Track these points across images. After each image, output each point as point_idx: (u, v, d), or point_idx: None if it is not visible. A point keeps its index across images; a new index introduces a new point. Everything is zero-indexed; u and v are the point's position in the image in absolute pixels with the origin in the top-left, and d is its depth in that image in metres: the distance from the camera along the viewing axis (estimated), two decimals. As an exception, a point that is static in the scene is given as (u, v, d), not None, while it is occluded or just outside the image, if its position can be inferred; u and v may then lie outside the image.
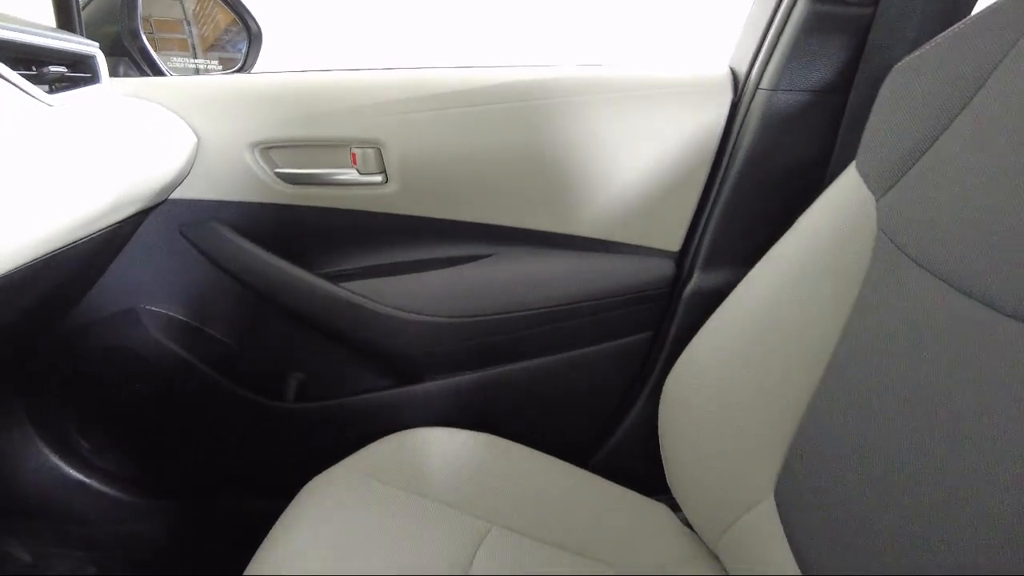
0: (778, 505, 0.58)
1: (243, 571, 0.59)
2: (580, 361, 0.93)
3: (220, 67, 1.13)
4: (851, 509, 0.48)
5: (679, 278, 0.90)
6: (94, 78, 0.79)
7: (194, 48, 1.11)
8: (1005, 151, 0.45)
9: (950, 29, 0.54)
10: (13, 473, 0.97)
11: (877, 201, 0.55)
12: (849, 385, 0.52)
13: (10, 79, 0.62)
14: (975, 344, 0.42)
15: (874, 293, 0.53)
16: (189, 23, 1.09)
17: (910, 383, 0.46)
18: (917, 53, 0.56)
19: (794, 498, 0.56)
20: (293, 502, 0.69)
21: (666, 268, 0.89)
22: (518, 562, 0.65)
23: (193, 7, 1.11)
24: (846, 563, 0.48)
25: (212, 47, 1.12)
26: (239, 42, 1.11)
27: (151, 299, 0.94)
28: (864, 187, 0.57)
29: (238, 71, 1.10)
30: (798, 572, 0.52)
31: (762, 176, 0.82)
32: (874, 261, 0.53)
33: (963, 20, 0.53)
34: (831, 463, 0.52)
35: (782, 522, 0.56)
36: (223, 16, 1.12)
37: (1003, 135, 0.46)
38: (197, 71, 1.09)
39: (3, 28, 0.64)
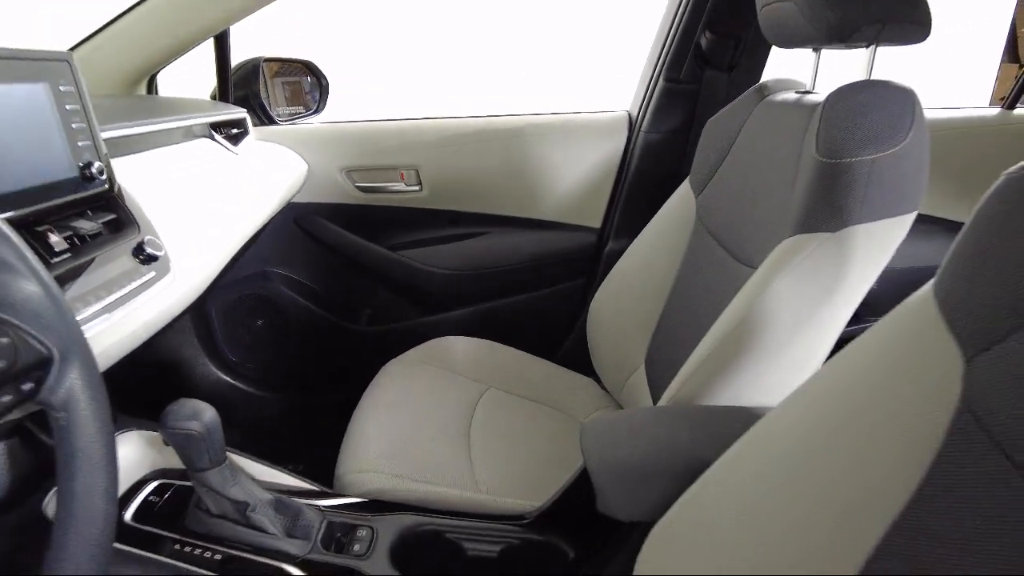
0: (646, 368, 1.13)
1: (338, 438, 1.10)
2: (542, 296, 1.50)
3: (303, 110, 1.68)
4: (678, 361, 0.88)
5: (600, 244, 1.46)
6: (245, 131, 1.34)
7: (287, 99, 1.66)
8: (739, 175, 1.01)
9: (726, 107, 1.07)
10: (189, 376, 1.54)
11: (696, 198, 1.11)
12: (680, 302, 1.07)
13: (221, 143, 1.18)
14: (723, 279, 0.95)
15: (690, 249, 1.08)
16: (284, 84, 1.64)
17: (690, 294, 1.03)
18: (716, 115, 1.09)
19: (654, 363, 1.09)
20: (375, 378, 1.24)
21: (592, 237, 1.46)
22: (502, 405, 1.20)
23: (284, 69, 1.65)
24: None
25: (298, 99, 1.67)
26: (315, 92, 1.66)
27: (276, 264, 1.51)
28: (691, 191, 1.09)
29: (315, 112, 1.65)
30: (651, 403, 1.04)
31: (644, 182, 1.38)
32: (693, 233, 1.09)
33: (732, 102, 1.03)
34: (672, 343, 1.03)
35: (647, 376, 1.09)
36: (304, 74, 1.66)
37: (739, 167, 1.01)
38: (292, 115, 1.65)
39: (211, 115, 1.20)
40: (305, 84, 1.65)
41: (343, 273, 1.53)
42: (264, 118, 1.50)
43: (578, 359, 1.35)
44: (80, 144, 0.74)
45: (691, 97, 1.31)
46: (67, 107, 0.73)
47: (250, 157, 1.25)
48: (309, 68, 1.64)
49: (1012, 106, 1.46)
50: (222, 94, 1.42)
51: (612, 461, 0.68)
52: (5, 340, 0.41)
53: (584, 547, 0.80)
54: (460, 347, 1.33)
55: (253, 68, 1.47)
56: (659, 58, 1.32)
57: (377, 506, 0.85)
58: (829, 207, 0.77)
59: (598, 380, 1.28)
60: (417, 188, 1.44)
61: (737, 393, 0.79)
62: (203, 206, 1.00)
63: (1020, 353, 0.45)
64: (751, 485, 0.53)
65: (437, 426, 1.05)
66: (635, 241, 1.23)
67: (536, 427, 1.12)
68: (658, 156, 1.35)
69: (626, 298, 1.20)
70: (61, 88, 0.73)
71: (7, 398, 0.42)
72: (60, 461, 0.45)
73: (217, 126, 1.24)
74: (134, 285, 0.74)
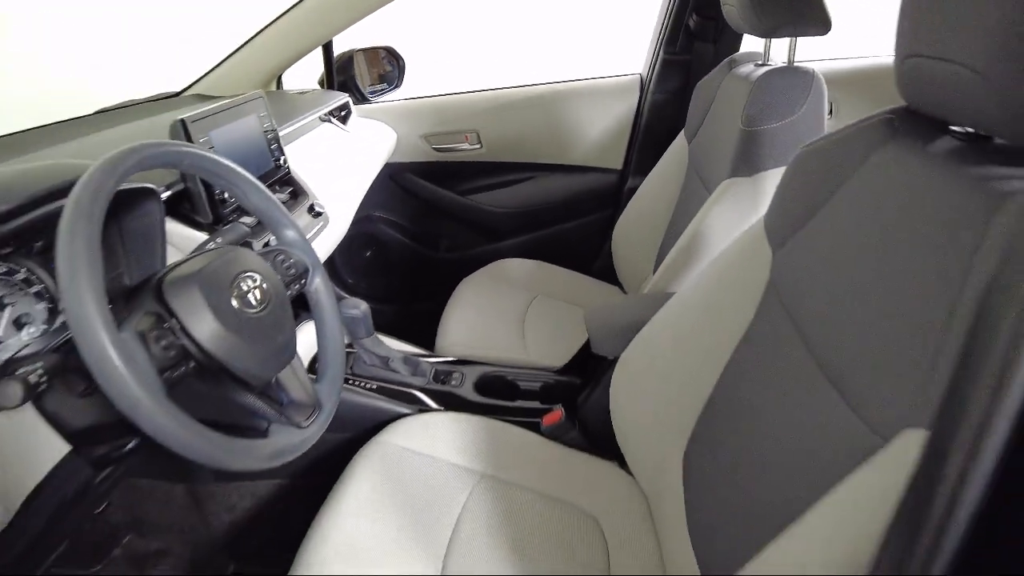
0: (654, 272, 1.57)
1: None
2: (578, 225, 1.93)
3: (387, 86, 2.12)
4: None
5: (621, 182, 1.87)
6: (350, 112, 1.81)
7: (373, 79, 2.11)
8: (711, 129, 1.39)
9: (708, 74, 1.44)
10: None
11: (688, 145, 1.50)
12: (676, 224, 1.48)
13: (337, 125, 1.65)
14: (698, 204, 1.35)
15: (683, 185, 1.48)
16: (371, 67, 2.09)
17: (681, 217, 1.44)
18: (701, 80, 1.46)
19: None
20: (455, 290, 1.69)
21: (614, 177, 1.87)
22: (546, 305, 1.64)
23: (370, 55, 2.09)
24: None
25: (382, 76, 2.11)
26: (392, 70, 2.10)
27: (377, 209, 2.00)
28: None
29: (396, 87, 2.09)
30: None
31: (653, 132, 1.77)
32: (686, 174, 1.49)
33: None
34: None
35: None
36: (385, 57, 2.10)
37: (712, 123, 1.39)
38: (378, 91, 2.10)
39: (327, 106, 1.66)
40: (386, 65, 2.09)
41: (426, 214, 2.01)
42: (359, 97, 1.96)
43: (606, 272, 1.79)
44: (272, 147, 1.23)
45: (685, 66, 1.68)
46: (264, 125, 1.21)
47: (357, 132, 1.72)
48: (390, 52, 2.07)
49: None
50: (328, 82, 1.89)
51: (602, 323, 1.14)
52: (292, 259, 0.90)
53: (587, 378, 1.27)
54: (515, 266, 1.80)
55: (349, 58, 1.92)
56: (659, 34, 1.69)
57: (463, 362, 1.35)
58: (746, 160, 1.18)
59: (621, 287, 1.72)
60: (478, 146, 1.89)
61: (687, 283, 1.23)
62: (335, 173, 1.48)
63: (810, 238, 0.62)
64: (665, 331, 0.98)
65: (499, 316, 1.54)
66: (646, 180, 1.64)
67: (568, 317, 1.58)
68: (663, 112, 1.74)
69: (640, 223, 1.63)
70: (261, 115, 1.20)
71: (296, 287, 0.91)
72: (316, 321, 0.94)
73: (331, 112, 1.71)
74: (312, 231, 1.23)
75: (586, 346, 1.32)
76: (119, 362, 0.57)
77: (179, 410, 0.61)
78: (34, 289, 0.81)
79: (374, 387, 1.24)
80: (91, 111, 1.47)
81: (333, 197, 1.38)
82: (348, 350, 1.31)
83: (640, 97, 1.78)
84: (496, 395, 1.27)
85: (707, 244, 1.20)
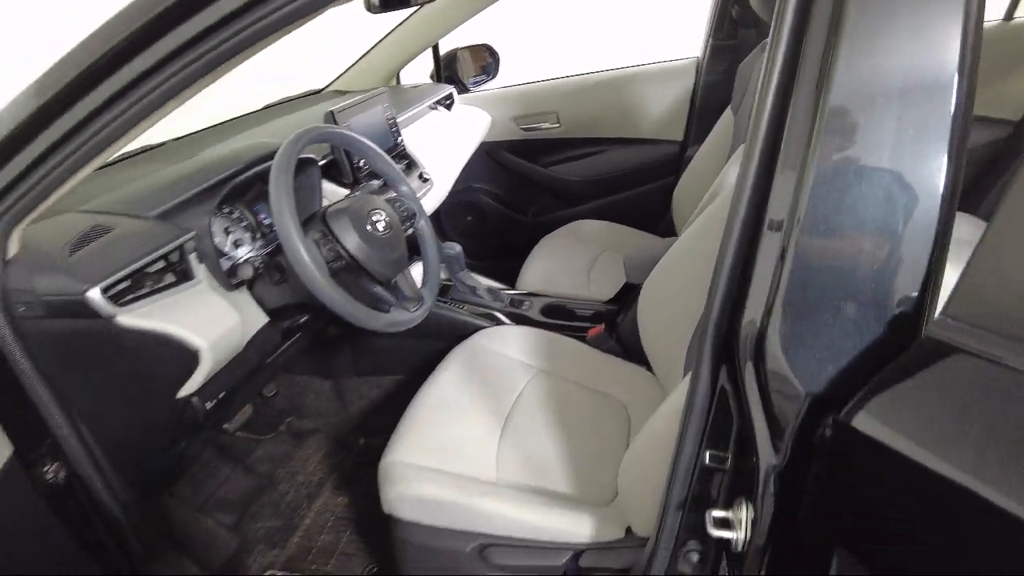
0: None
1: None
2: (645, 191, 2.24)
3: (484, 77, 2.52)
4: None
5: (681, 151, 2.15)
6: (453, 100, 2.22)
7: (474, 71, 2.51)
8: (747, 105, 1.68)
9: (747, 57, 1.72)
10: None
11: (734, 119, 1.78)
12: None
13: (443, 111, 2.07)
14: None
15: (728, 153, 1.78)
16: (472, 60, 2.49)
17: None
18: (742, 62, 1.74)
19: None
20: (537, 245, 2.08)
21: (675, 148, 2.16)
22: (613, 260, 1.97)
23: (472, 50, 2.49)
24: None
25: (482, 68, 2.50)
26: (491, 62, 2.48)
27: (477, 181, 2.41)
28: (732, 115, 1.78)
29: (492, 78, 2.48)
30: None
31: (707, 108, 2.04)
32: (731, 145, 1.78)
33: (751, 53, 1.71)
34: None
35: None
36: (484, 52, 2.49)
37: (748, 99, 1.68)
38: (478, 81, 2.49)
39: (435, 96, 2.07)
40: (485, 59, 2.48)
41: (516, 185, 2.39)
42: (462, 87, 2.36)
43: (670, 231, 2.09)
44: (392, 130, 1.65)
45: (731, 50, 1.93)
46: (386, 113, 1.63)
47: (460, 116, 2.13)
48: (488, 49, 2.46)
49: (1009, 17, 1.85)
50: (437, 76, 2.31)
51: (634, 257, 1.47)
52: (405, 206, 1.31)
53: (623, 306, 1.60)
54: (589, 226, 2.14)
55: (453, 55, 2.33)
56: (711, 23, 1.96)
57: (534, 295, 1.73)
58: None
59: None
60: (558, 125, 2.24)
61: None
62: (440, 149, 1.89)
63: None
64: (676, 260, 1.30)
65: (569, 264, 1.90)
66: (699, 149, 1.92)
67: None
68: (714, 90, 2.00)
69: (693, 186, 1.92)
70: (384, 106, 1.63)
71: (407, 225, 1.31)
72: (421, 248, 1.35)
73: (438, 101, 2.13)
74: (421, 192, 1.65)
75: (623, 288, 1.66)
76: (306, 256, 0.99)
77: (338, 287, 1.03)
78: (244, 223, 1.27)
79: (464, 308, 1.64)
80: (260, 107, 1.98)
81: (438, 167, 1.79)
82: (446, 282, 1.72)
83: (696, 78, 2.06)
84: (556, 318, 1.64)
85: (721, 195, 1.49)
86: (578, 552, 1.05)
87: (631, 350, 1.47)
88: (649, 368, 1.41)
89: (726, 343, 0.71)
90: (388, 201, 1.26)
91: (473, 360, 1.41)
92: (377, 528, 1.44)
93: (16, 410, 0.94)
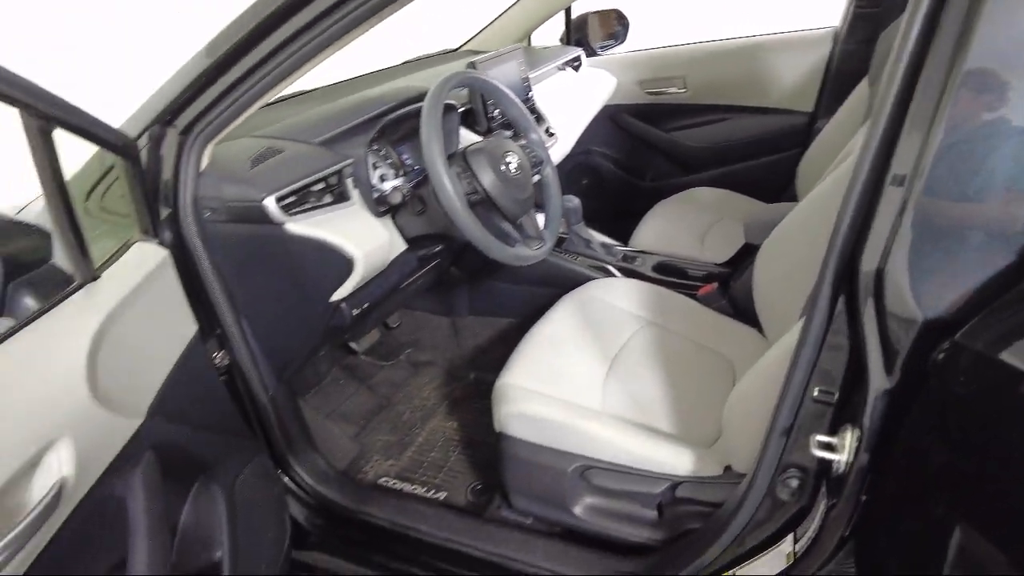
0: None
1: None
2: (767, 162, 2.20)
3: (612, 41, 2.54)
4: None
5: (811, 123, 2.10)
6: (581, 63, 2.26)
7: (603, 36, 2.54)
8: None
9: (891, 24, 1.66)
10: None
11: (870, 89, 1.74)
12: None
13: (571, 72, 2.12)
14: None
15: (863, 122, 1.74)
16: (601, 25, 2.52)
17: None
18: (885, 30, 1.68)
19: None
20: (651, 211, 2.10)
21: (804, 119, 2.11)
22: (732, 227, 1.96)
23: (601, 15, 2.52)
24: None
25: (610, 34, 2.53)
26: (620, 28, 2.50)
27: (596, 144, 2.45)
28: (867, 86, 1.74)
29: (620, 43, 2.50)
30: None
31: (842, 76, 1.97)
32: (863, 116, 1.74)
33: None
34: None
35: None
36: (613, 17, 2.51)
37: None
38: (606, 46, 2.52)
39: (565, 56, 2.13)
40: (614, 25, 2.51)
41: (636, 149, 2.42)
42: (590, 51, 2.41)
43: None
44: (524, 85, 1.73)
45: (875, 18, 1.85)
46: (520, 68, 1.71)
47: (586, 78, 2.18)
48: (617, 14, 2.48)
49: None
50: (567, 39, 2.36)
51: (755, 218, 1.48)
52: (534, 153, 1.39)
53: (738, 268, 1.61)
54: (707, 194, 2.14)
55: (584, 19, 2.37)
56: (854, -10, 1.90)
57: (648, 252, 1.77)
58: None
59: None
60: (684, 90, 2.24)
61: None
62: (566, 107, 1.96)
63: None
64: (795, 222, 1.30)
65: (684, 227, 1.92)
66: (830, 121, 1.87)
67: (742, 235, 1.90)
68: (852, 61, 1.93)
69: (821, 158, 1.88)
70: (519, 61, 1.71)
71: (535, 171, 1.39)
72: (544, 194, 1.43)
73: (567, 62, 2.19)
74: (548, 144, 1.72)
75: (745, 246, 1.66)
76: (448, 184, 1.10)
77: (473, 215, 1.12)
78: (389, 161, 1.40)
79: (577, 259, 1.71)
80: (399, 63, 2.12)
81: (562, 126, 1.86)
82: (562, 234, 1.79)
83: (832, 47, 1.99)
84: (668, 275, 1.68)
85: (849, 159, 1.46)
86: (675, 483, 1.11)
87: (742, 311, 1.49)
88: (759, 330, 1.43)
89: (847, 274, 0.74)
90: (520, 147, 1.35)
91: (584, 306, 1.48)
92: (482, 451, 1.56)
93: (198, 299, 1.11)
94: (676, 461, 1.10)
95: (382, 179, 1.36)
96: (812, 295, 0.79)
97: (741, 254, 1.70)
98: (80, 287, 0.85)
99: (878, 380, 0.67)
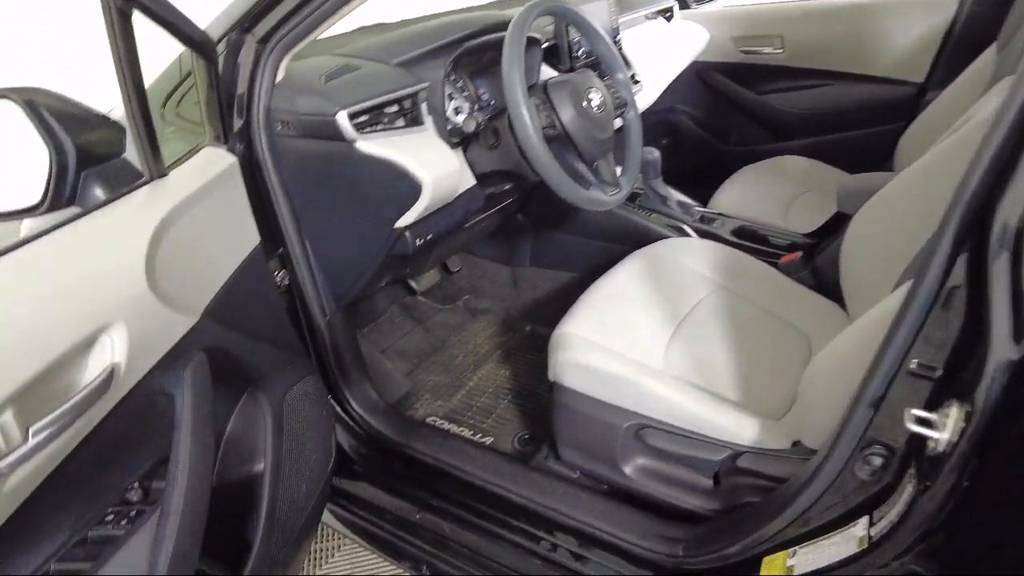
0: None
1: None
2: (865, 134, 2.03)
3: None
4: None
5: (919, 94, 1.92)
6: (673, 14, 2.13)
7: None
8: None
9: None
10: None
11: (997, 56, 1.57)
12: None
13: (663, 22, 2.00)
14: None
15: (983, 91, 1.57)
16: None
17: None
18: None
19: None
20: (732, 176, 1.98)
21: (913, 90, 1.93)
22: (819, 201, 1.81)
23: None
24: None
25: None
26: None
27: (680, 102, 2.33)
28: (995, 52, 1.51)
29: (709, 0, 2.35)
30: None
31: (965, 43, 1.79)
32: (985, 84, 1.57)
33: None
34: None
35: None
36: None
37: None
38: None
39: (656, 6, 2.01)
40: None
41: (723, 110, 2.29)
42: (683, 3, 2.27)
43: (886, 181, 1.90)
44: (613, 28, 1.64)
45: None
46: (610, 11, 1.62)
47: (677, 30, 2.06)
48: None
49: None
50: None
51: (850, 185, 1.36)
52: (619, 94, 1.31)
53: (825, 238, 1.50)
54: (796, 163, 2.00)
55: (681, -31, 2.24)
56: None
57: (727, 216, 1.67)
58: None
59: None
60: (781, 51, 2.09)
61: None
62: (653, 59, 1.85)
63: None
64: (897, 192, 1.19)
65: (768, 195, 1.80)
66: (943, 93, 1.71)
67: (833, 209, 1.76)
68: (978, 25, 1.75)
69: (928, 137, 1.72)
70: (609, 2, 1.61)
71: (619, 112, 1.31)
72: (626, 139, 1.35)
73: (658, 11, 2.07)
74: (635, 90, 1.63)
75: (833, 217, 1.54)
76: (526, 114, 1.04)
77: (548, 148, 1.06)
78: (465, 93, 1.34)
79: (651, 216, 1.63)
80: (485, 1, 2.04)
81: (648, 75, 1.76)
82: (636, 189, 1.71)
83: (957, 10, 1.80)
84: (748, 240, 1.58)
85: (967, 126, 1.32)
86: (737, 453, 1.04)
87: (825, 284, 1.39)
88: (841, 306, 1.33)
89: (975, 228, 0.65)
90: (604, 86, 1.27)
91: (654, 264, 1.40)
92: (532, 402, 1.53)
93: (263, 214, 1.09)
94: (740, 430, 1.03)
95: (456, 111, 1.30)
96: (924, 253, 0.71)
97: (829, 225, 1.57)
98: (147, 183, 0.84)
99: (1002, 349, 0.58)
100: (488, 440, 1.41)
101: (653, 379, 1.09)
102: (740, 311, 1.30)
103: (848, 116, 2.05)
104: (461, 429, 1.45)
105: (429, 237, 1.22)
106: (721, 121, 2.32)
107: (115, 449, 0.71)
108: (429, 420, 1.51)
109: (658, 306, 1.27)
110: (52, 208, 0.86)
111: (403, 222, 1.14)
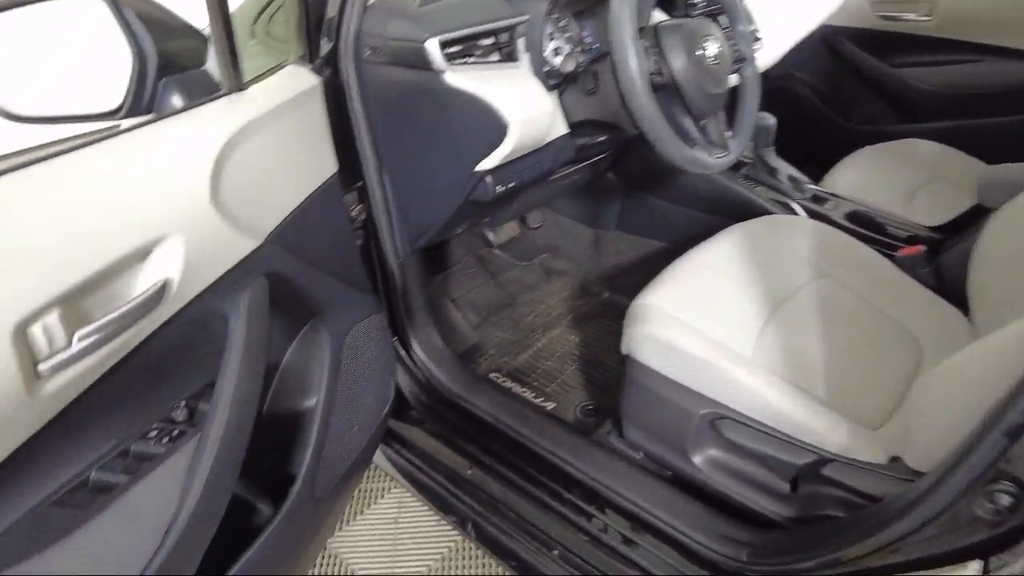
0: None
1: None
2: (1019, 122, 1.77)
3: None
4: None
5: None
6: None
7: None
8: None
9: None
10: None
11: None
12: None
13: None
14: None
15: None
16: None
17: None
18: None
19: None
20: (847, 158, 1.76)
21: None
22: (945, 193, 1.58)
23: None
24: None
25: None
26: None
27: (799, 69, 2.11)
28: None
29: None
30: None
31: None
32: None
33: None
34: None
35: None
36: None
37: None
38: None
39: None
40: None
41: (848, 81, 2.07)
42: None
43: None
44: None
45: None
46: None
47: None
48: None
49: None
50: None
51: (993, 176, 1.18)
52: (739, 47, 1.17)
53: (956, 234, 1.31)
54: (927, 149, 1.77)
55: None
56: None
57: (842, 198, 1.50)
58: None
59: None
60: (928, 18, 1.84)
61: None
62: (776, 17, 1.67)
63: None
64: None
65: (891, 180, 1.61)
66: None
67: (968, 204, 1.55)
68: None
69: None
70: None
71: (736, 67, 1.17)
72: (740, 100, 1.21)
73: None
74: (755, 46, 1.46)
75: (967, 212, 1.35)
76: (632, 56, 0.93)
77: (652, 97, 0.95)
78: (568, 35, 1.23)
79: (756, 189, 1.49)
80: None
81: (772, 31, 1.59)
82: (743, 158, 1.56)
83: None
84: (863, 227, 1.41)
85: None
86: (823, 460, 0.93)
87: (949, 286, 1.22)
88: (964, 312, 1.16)
89: None
90: (723, 35, 1.14)
91: (755, 240, 1.27)
92: (600, 373, 1.45)
93: (343, 143, 1.04)
94: (830, 435, 0.92)
95: (555, 52, 1.20)
96: None
97: (962, 220, 1.39)
98: (224, 95, 0.80)
99: None
100: (550, 405, 1.35)
101: (739, 366, 0.99)
102: (845, 304, 1.17)
103: (1002, 99, 1.79)
104: (524, 390, 1.40)
105: (511, 185, 1.14)
106: (845, 95, 2.10)
107: (163, 366, 0.68)
108: (492, 376, 1.46)
109: (754, 287, 1.15)
110: (130, 114, 0.84)
111: (485, 165, 1.06)
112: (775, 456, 0.97)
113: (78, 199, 0.59)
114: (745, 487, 1.04)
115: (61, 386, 0.56)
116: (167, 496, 0.68)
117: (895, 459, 0.88)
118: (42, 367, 0.54)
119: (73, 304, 0.57)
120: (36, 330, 0.53)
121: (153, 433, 0.69)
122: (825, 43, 2.05)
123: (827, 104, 2.12)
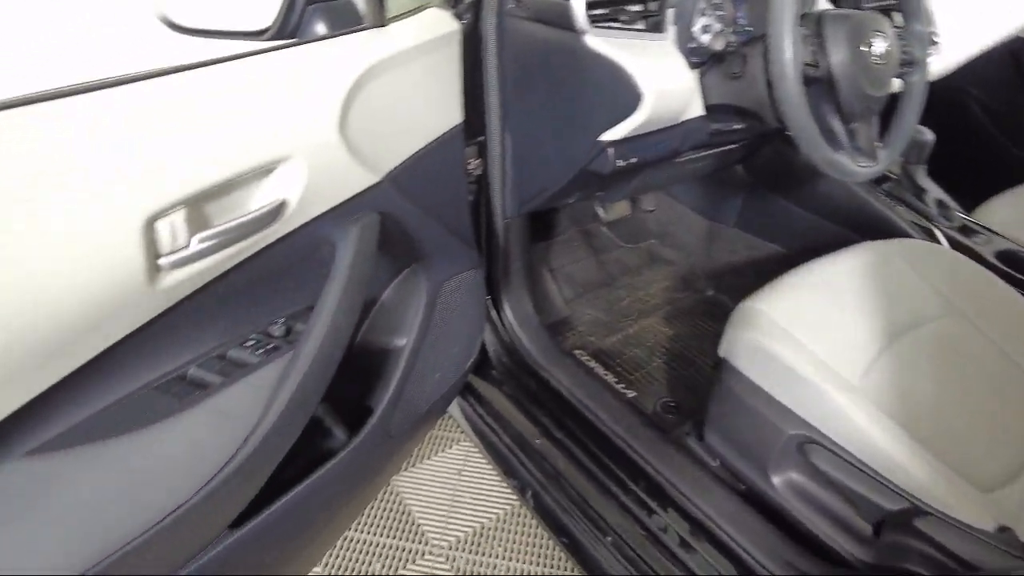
0: None
1: None
2: None
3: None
4: None
5: None
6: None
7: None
8: None
9: None
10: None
11: None
12: None
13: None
14: None
15: None
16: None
17: None
18: None
19: None
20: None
21: None
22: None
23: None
24: None
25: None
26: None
27: (975, 84, 1.91)
28: None
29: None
30: None
31: None
32: None
33: None
34: None
35: None
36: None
37: None
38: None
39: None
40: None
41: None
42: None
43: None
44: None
45: None
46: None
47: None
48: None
49: None
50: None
51: None
52: (910, 49, 1.05)
53: None
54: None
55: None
56: None
57: (997, 233, 1.35)
58: None
59: None
60: None
61: None
62: (964, 16, 1.50)
63: None
64: None
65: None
66: None
67: None
68: None
69: None
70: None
71: (901, 71, 1.06)
72: (903, 107, 1.10)
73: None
74: (930, 50, 1.32)
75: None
76: (788, 42, 0.86)
77: (802, 89, 0.88)
78: (721, 13, 1.16)
79: (896, 208, 1.36)
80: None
81: (950, 35, 1.43)
82: (890, 172, 1.43)
83: None
84: (1013, 268, 1.27)
85: None
86: (917, 510, 0.85)
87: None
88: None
89: None
90: (895, 33, 1.03)
91: (885, 262, 1.17)
92: (689, 371, 1.40)
93: (472, 95, 1.04)
94: (931, 486, 0.84)
95: (704, 29, 1.14)
96: None
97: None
98: (365, 28, 0.81)
99: None
100: (631, 394, 1.32)
101: (843, 393, 0.92)
102: (976, 348, 1.05)
103: None
104: (606, 373, 1.37)
105: (633, 160, 1.09)
106: (1022, 118, 1.87)
107: (269, 281, 0.72)
108: (577, 352, 1.44)
109: (875, 313, 1.06)
110: (277, 36, 0.86)
111: (610, 136, 1.03)
112: (863, 494, 0.90)
113: (216, 110, 0.61)
114: (823, 519, 0.97)
115: (177, 282, 0.60)
116: (254, 403, 0.71)
117: (1004, 529, 0.80)
118: (163, 261, 0.57)
119: (197, 208, 0.60)
120: (162, 226, 0.56)
121: (250, 343, 0.73)
122: (1013, 57, 1.83)
123: (998, 126, 1.91)
